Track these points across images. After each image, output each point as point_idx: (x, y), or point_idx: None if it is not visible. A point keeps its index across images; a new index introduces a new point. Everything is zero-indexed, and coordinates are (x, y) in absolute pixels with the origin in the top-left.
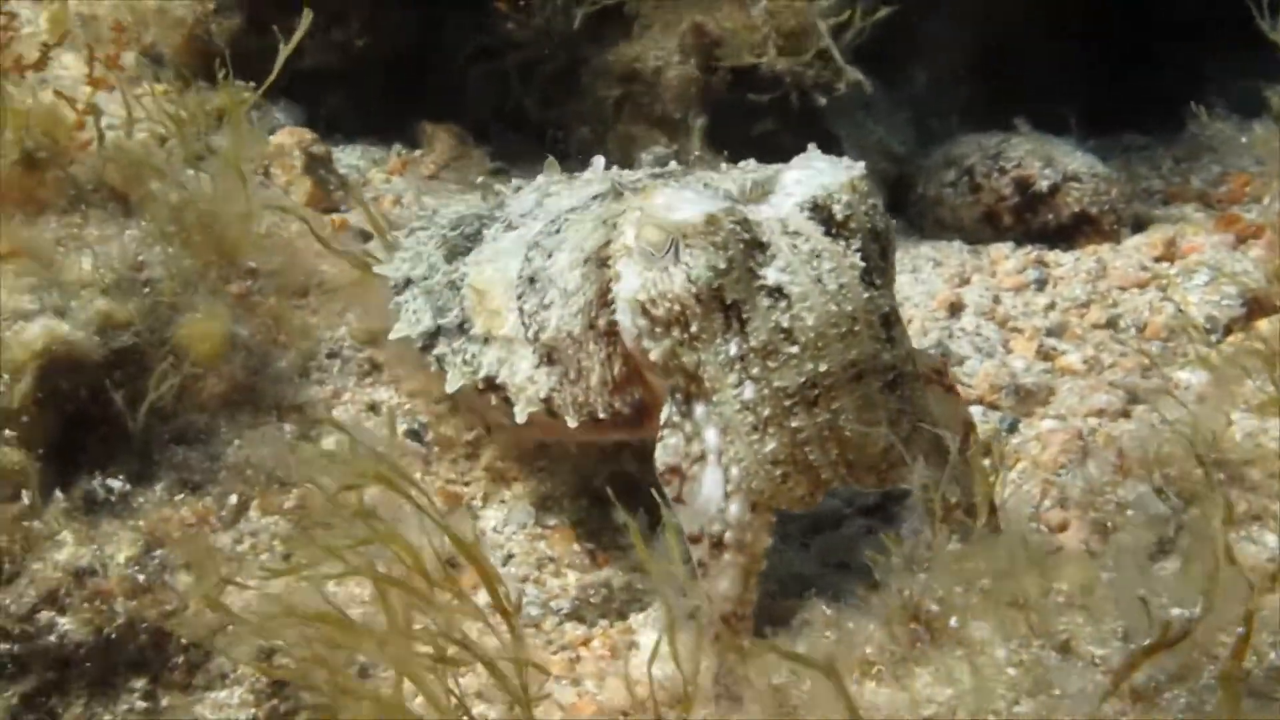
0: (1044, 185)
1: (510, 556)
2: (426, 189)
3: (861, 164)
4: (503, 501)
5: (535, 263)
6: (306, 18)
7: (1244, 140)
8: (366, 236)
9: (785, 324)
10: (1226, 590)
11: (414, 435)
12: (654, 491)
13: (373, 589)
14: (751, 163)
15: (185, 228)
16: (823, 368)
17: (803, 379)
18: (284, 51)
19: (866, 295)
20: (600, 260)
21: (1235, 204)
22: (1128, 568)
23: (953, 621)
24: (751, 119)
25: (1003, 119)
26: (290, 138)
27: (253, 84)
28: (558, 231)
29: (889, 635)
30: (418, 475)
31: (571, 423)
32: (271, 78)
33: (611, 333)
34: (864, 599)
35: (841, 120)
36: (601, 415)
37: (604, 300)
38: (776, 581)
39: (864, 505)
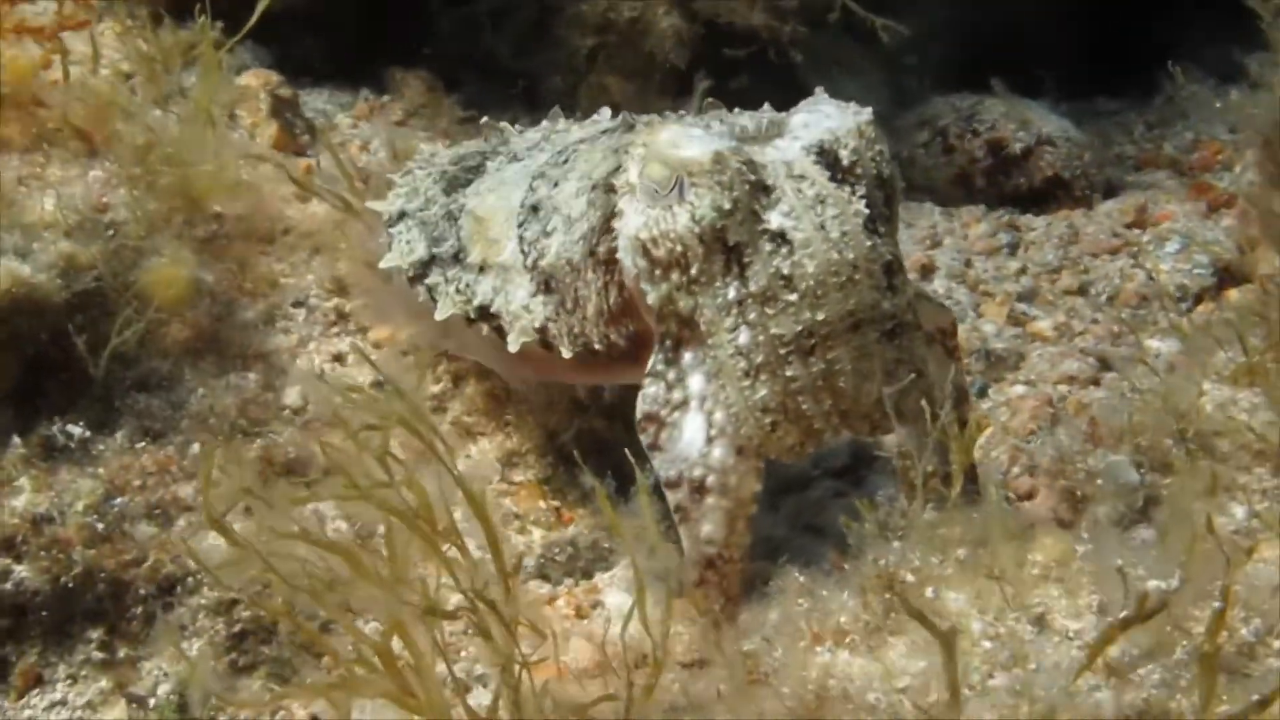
0: (1017, 148)
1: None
2: (394, 135)
3: (869, 109)
4: (468, 456)
5: (540, 191)
6: None
7: (1218, 105)
8: (333, 183)
9: (786, 270)
10: (1202, 564)
11: (379, 387)
12: (627, 451)
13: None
14: (766, 106)
15: (151, 170)
16: (820, 316)
17: (800, 327)
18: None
19: (869, 244)
20: (608, 186)
21: (1207, 171)
22: (1104, 540)
23: (929, 592)
24: (727, 74)
25: (977, 80)
26: (256, 80)
27: (221, 24)
28: (565, 162)
29: (863, 604)
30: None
31: (566, 353)
32: (250, 24)
33: (611, 260)
34: (836, 566)
35: (816, 77)
36: (597, 346)
37: (606, 226)
38: None
39: (831, 468)
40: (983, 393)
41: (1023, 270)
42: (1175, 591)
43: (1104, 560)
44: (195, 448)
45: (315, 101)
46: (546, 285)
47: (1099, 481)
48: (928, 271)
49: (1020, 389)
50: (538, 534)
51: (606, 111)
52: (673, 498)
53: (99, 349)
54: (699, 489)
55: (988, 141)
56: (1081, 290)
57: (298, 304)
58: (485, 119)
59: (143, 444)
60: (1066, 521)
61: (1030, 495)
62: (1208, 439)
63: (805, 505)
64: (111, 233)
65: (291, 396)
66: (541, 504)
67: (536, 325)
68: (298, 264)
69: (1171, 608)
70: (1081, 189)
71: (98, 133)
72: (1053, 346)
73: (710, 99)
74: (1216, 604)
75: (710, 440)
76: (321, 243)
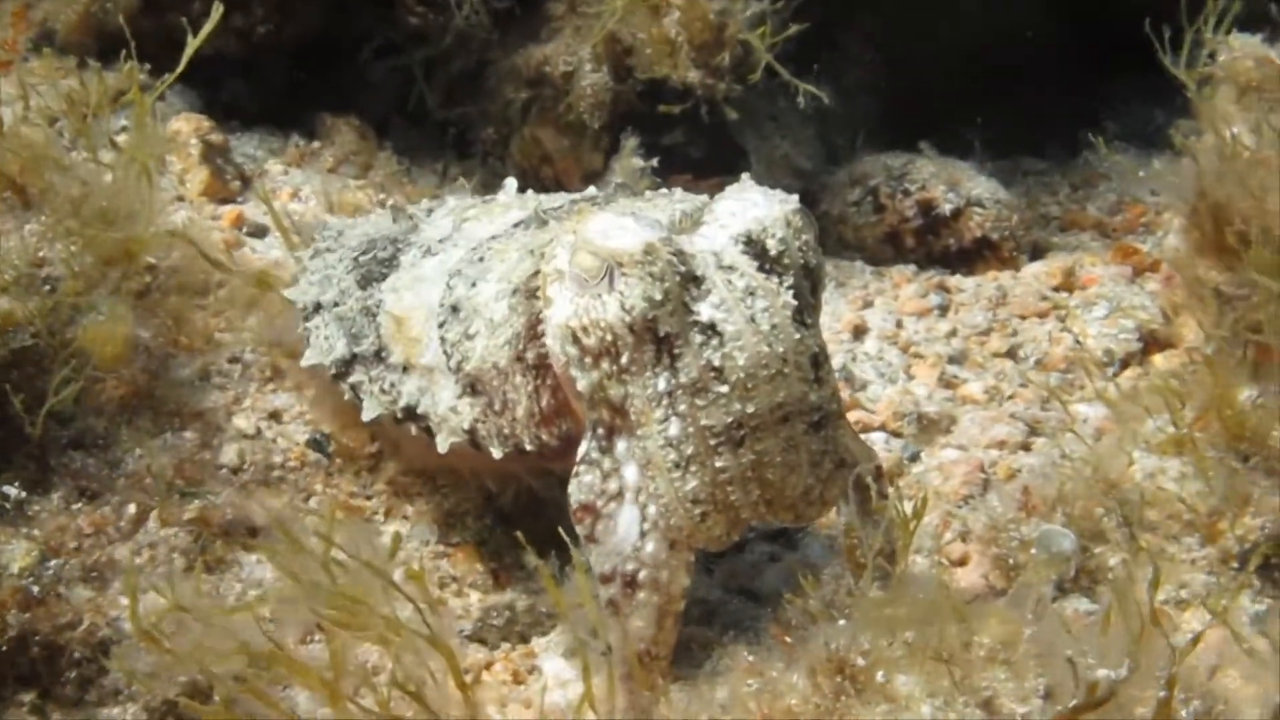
0: (947, 209)
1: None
2: (326, 183)
3: (795, 197)
4: (405, 517)
5: (458, 291)
6: (217, 11)
7: (1141, 175)
8: (263, 230)
9: (716, 362)
10: (1148, 650)
11: (316, 445)
12: (561, 531)
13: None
14: (678, 191)
15: (86, 223)
16: (750, 409)
17: (730, 419)
18: (192, 44)
19: (798, 336)
20: (529, 291)
21: (1130, 233)
22: (1048, 621)
23: (879, 675)
24: (661, 129)
25: (907, 138)
26: (187, 125)
27: (148, 66)
28: (481, 260)
29: (813, 686)
30: (319, 487)
31: (496, 454)
32: (179, 70)
33: (540, 365)
34: (778, 639)
35: (749, 134)
36: (528, 447)
37: (533, 333)
38: None
39: (766, 531)
40: (915, 457)
41: (953, 332)
42: (1123, 680)
43: (1049, 642)
44: (131, 509)
45: (245, 146)
46: (472, 388)
47: (1032, 550)
48: (860, 332)
49: (952, 453)
50: (475, 597)
51: (512, 184)
52: (605, 592)
53: (35, 408)
54: (631, 584)
55: (918, 201)
56: (1010, 353)
57: (233, 359)
58: (392, 201)
59: (79, 505)
60: (998, 589)
61: (963, 562)
62: (1137, 508)
63: (740, 568)
64: (49, 288)
65: (228, 455)
66: (479, 566)
67: (465, 427)
68: (233, 319)
69: (1119, 696)
70: (1009, 250)
71: (32, 184)
72: (983, 410)
73: (620, 179)
74: (1161, 692)
75: (644, 534)
76: (255, 303)
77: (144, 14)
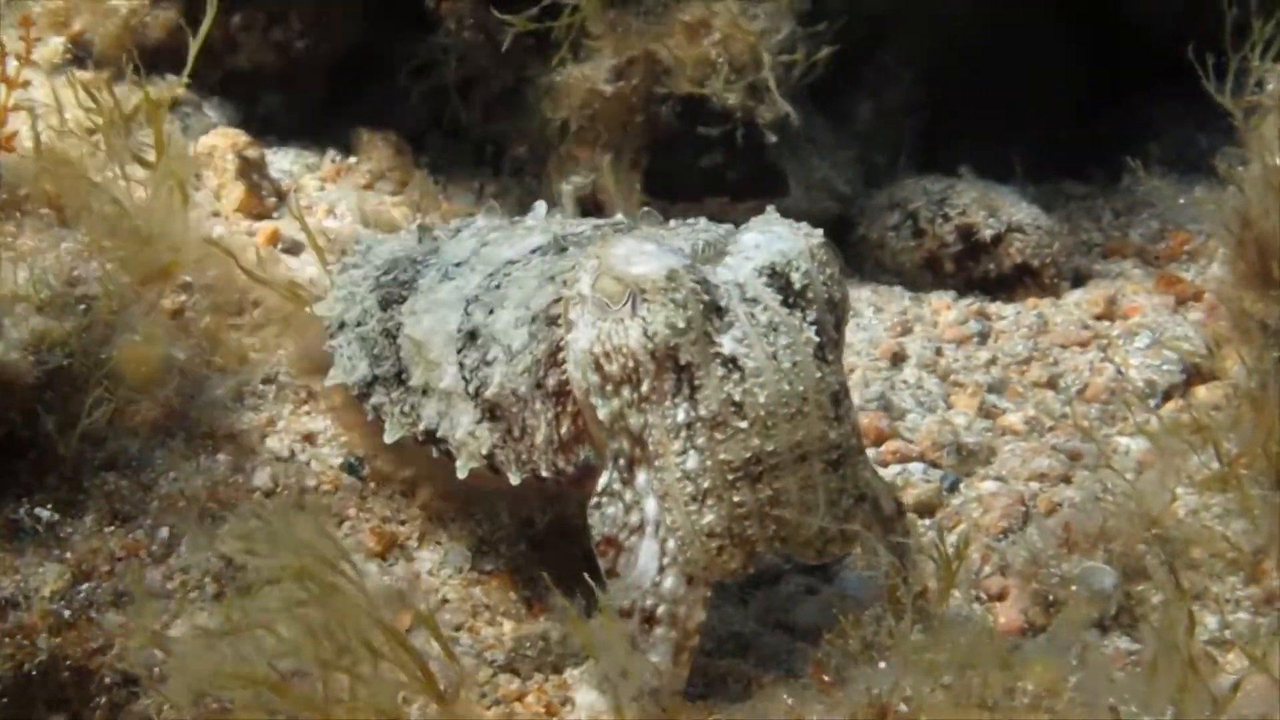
0: (987, 235)
1: (445, 601)
2: (361, 200)
3: (819, 231)
4: (438, 543)
5: (475, 318)
6: (212, 6)
7: (1181, 201)
8: (299, 247)
9: (737, 397)
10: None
11: (350, 469)
12: (587, 576)
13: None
14: (702, 221)
15: (121, 241)
16: (769, 447)
17: (748, 454)
18: (195, 43)
19: (819, 375)
20: (550, 318)
21: (1173, 260)
22: (1094, 667)
23: None
24: (699, 151)
25: (948, 159)
26: (223, 139)
27: (186, 80)
28: (498, 287)
29: None
30: (352, 512)
31: (514, 480)
32: (186, 71)
33: (561, 392)
34: (816, 678)
35: (788, 156)
36: (545, 474)
37: (554, 360)
38: (714, 639)
39: (802, 562)
40: (954, 487)
41: (993, 360)
42: None
43: (1093, 690)
44: (164, 532)
45: (281, 162)
46: (491, 414)
47: (1074, 587)
48: (898, 360)
49: (991, 485)
50: (508, 626)
51: (541, 207)
52: (625, 627)
53: (68, 429)
54: (649, 619)
55: (958, 227)
56: (1051, 383)
57: (267, 380)
58: (420, 221)
59: (111, 528)
60: (1037, 626)
61: (1001, 596)
62: (1180, 545)
63: (775, 601)
64: (84, 308)
65: (262, 478)
66: (512, 594)
67: (484, 452)
68: (267, 338)
69: None
70: (1050, 277)
71: (68, 202)
72: (1023, 441)
73: (646, 207)
74: None
75: (663, 569)
76: (290, 321)
77: (183, 29)
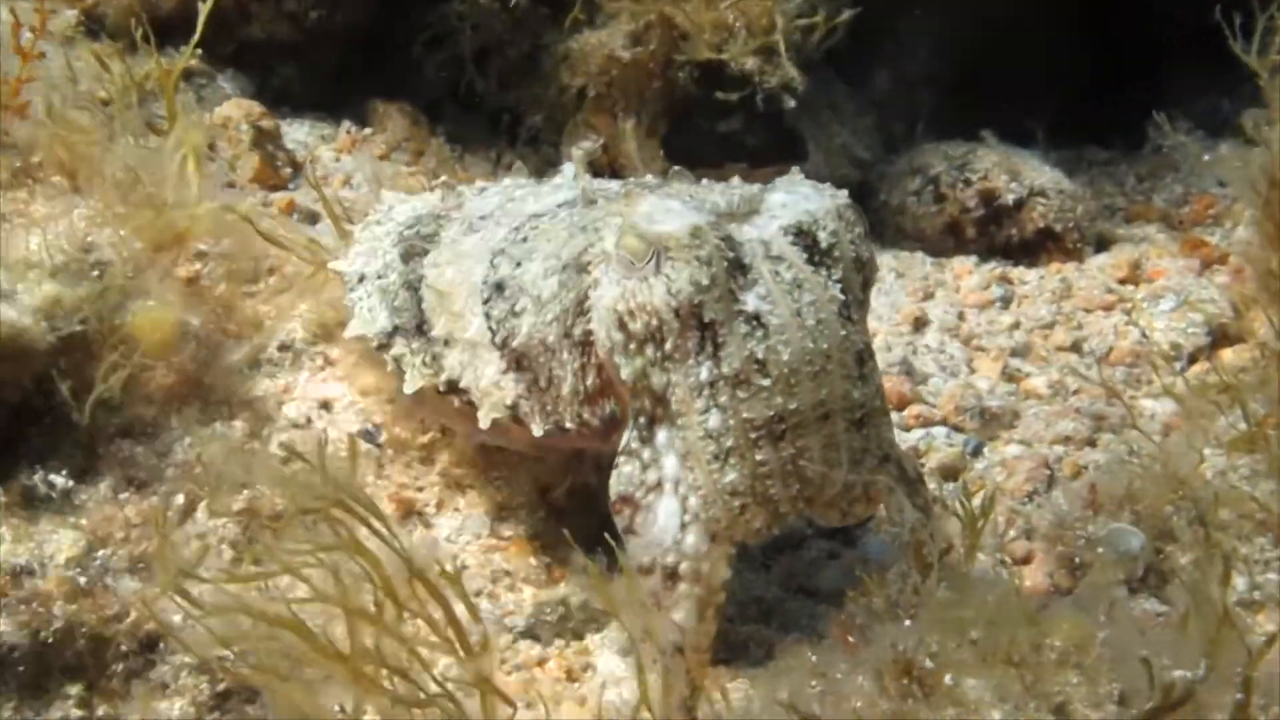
0: (1009, 199)
1: (464, 568)
2: (377, 170)
3: (844, 192)
4: (457, 510)
5: (502, 269)
6: None
7: (1206, 159)
8: (315, 217)
9: (760, 355)
10: (1225, 652)
11: (367, 436)
12: (607, 536)
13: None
14: (735, 179)
15: (135, 207)
16: (792, 405)
17: (771, 413)
18: (204, 10)
19: (843, 333)
20: (579, 266)
21: (1198, 225)
22: (1123, 624)
23: (948, 678)
24: (717, 117)
25: (968, 126)
26: (238, 110)
27: (199, 52)
28: (524, 240)
29: (880, 689)
30: (370, 479)
31: (537, 431)
32: (194, 40)
33: (587, 342)
34: (840, 639)
35: (807, 122)
36: (569, 425)
37: (581, 309)
38: (735, 605)
39: (824, 527)
40: (977, 451)
41: (1016, 325)
42: (1200, 681)
43: (1123, 645)
44: (180, 499)
45: (296, 133)
46: (518, 364)
47: (1099, 549)
48: (920, 325)
49: (1015, 449)
50: (528, 592)
51: (570, 167)
52: (645, 584)
53: (83, 395)
54: (672, 576)
55: (979, 192)
56: (1075, 347)
57: (283, 347)
58: (444, 178)
59: (126, 494)
60: (1064, 589)
61: (1027, 560)
62: (1208, 507)
63: (799, 566)
64: (97, 274)
65: (277, 446)
66: (532, 560)
67: (508, 402)
68: (283, 305)
69: (1196, 698)
70: (1073, 242)
71: (81, 169)
72: (1047, 405)
73: (677, 167)
74: (1238, 695)
75: (684, 526)
76: (307, 286)
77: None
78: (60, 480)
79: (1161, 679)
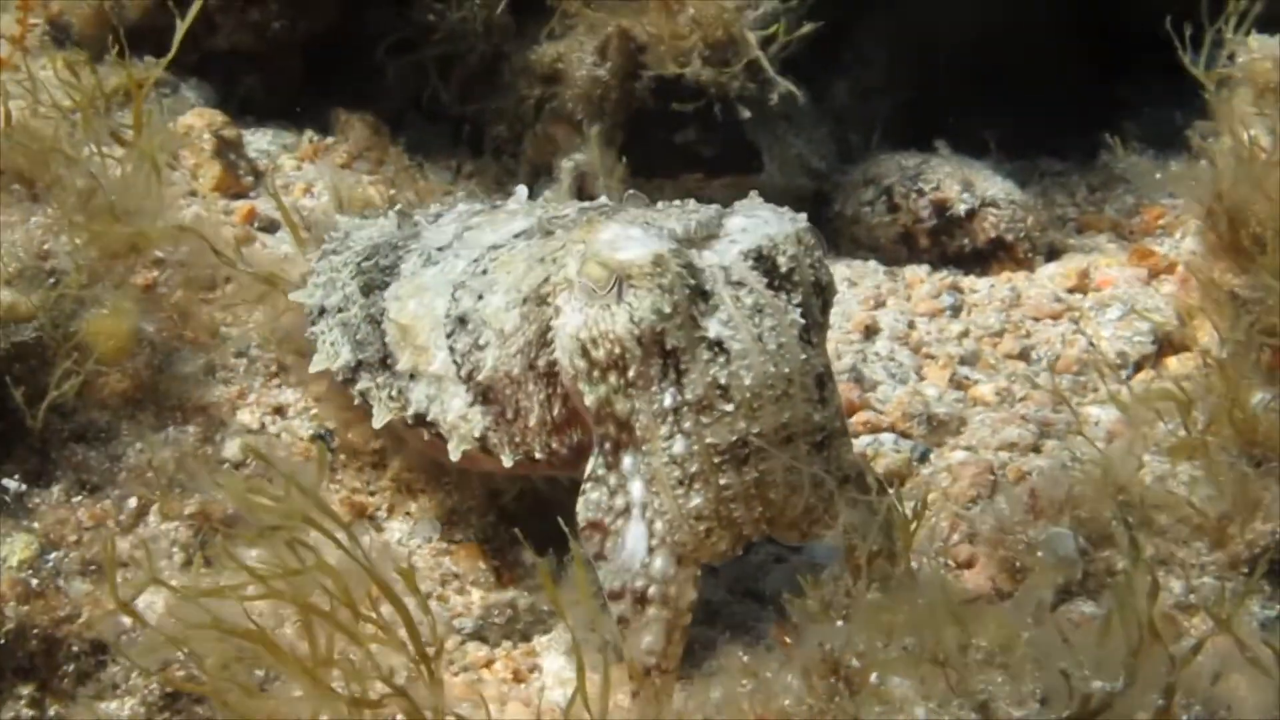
0: (962, 209)
1: (414, 570)
2: (338, 178)
3: (804, 215)
4: (408, 514)
5: (464, 303)
6: None
7: (1158, 176)
8: (275, 225)
9: (723, 380)
10: (1148, 663)
11: (319, 440)
12: (560, 520)
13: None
14: (691, 202)
15: (93, 217)
16: (755, 429)
17: (734, 438)
18: (181, 28)
19: (804, 357)
20: (540, 299)
21: (1147, 235)
22: (1048, 627)
23: (874, 677)
24: (673, 127)
25: (923, 137)
26: (200, 119)
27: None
28: (484, 272)
29: (808, 687)
30: (322, 484)
31: (507, 461)
32: (170, 55)
33: (552, 373)
34: (779, 640)
35: (763, 133)
36: (539, 456)
37: (544, 340)
38: None
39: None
40: (924, 457)
41: (965, 333)
42: (1118, 693)
43: (1047, 649)
44: (132, 502)
45: (259, 141)
46: (485, 396)
47: (1039, 553)
48: (871, 332)
49: (961, 454)
50: (477, 595)
51: (522, 191)
52: (615, 608)
53: (36, 400)
54: (640, 600)
55: (933, 202)
56: (1023, 355)
57: (239, 354)
58: (399, 205)
59: (79, 497)
60: (1005, 592)
61: (970, 564)
62: (1146, 511)
63: (745, 570)
64: (53, 281)
65: (231, 450)
66: (481, 564)
67: (476, 434)
68: (239, 314)
69: (1114, 707)
70: (1024, 251)
71: (39, 178)
72: (994, 412)
73: (631, 191)
74: (1160, 700)
75: (652, 550)
76: (263, 293)
77: (160, 9)
78: (13, 484)
79: (1081, 689)
